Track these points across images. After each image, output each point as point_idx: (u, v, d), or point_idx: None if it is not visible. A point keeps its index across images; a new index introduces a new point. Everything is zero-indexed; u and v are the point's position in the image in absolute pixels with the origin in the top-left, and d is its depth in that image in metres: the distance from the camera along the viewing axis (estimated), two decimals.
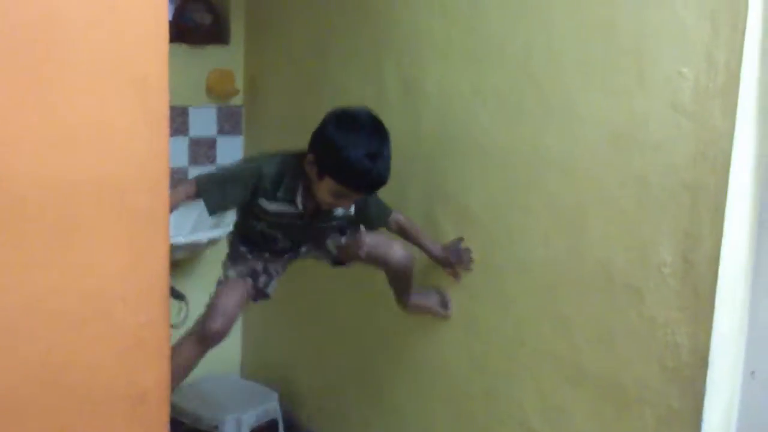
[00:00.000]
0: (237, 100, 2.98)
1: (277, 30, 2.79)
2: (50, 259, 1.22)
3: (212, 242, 2.67)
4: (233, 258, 2.09)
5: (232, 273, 2.05)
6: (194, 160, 2.93)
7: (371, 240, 1.98)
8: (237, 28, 2.92)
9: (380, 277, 2.10)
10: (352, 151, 1.80)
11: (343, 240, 2.06)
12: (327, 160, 1.85)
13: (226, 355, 3.12)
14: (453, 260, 2.08)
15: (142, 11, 1.25)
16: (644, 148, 1.63)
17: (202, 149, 2.95)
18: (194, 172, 2.85)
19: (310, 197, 1.93)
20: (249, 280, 2.05)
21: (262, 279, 2.09)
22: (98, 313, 1.30)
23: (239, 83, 2.95)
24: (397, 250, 2.00)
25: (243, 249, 2.10)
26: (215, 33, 2.84)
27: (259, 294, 2.09)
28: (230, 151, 3.00)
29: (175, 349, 1.78)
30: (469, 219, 2.07)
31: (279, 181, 1.92)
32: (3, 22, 1.10)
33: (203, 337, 1.92)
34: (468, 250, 2.06)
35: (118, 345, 1.32)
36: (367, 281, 2.30)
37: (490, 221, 2.01)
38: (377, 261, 2.01)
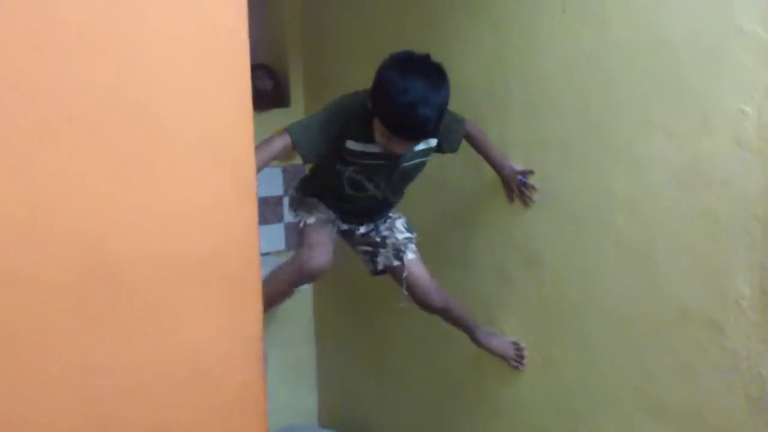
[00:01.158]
0: (299, 160, 3.07)
1: (333, 92, 2.88)
2: (153, 327, 1.29)
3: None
4: (307, 208, 2.04)
5: (312, 219, 2.00)
6: (264, 219, 3.03)
7: (420, 275, 2.08)
8: (296, 91, 3.03)
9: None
10: (395, 95, 1.75)
11: (395, 264, 2.10)
12: (375, 101, 1.81)
13: (303, 405, 3.19)
14: (514, 187, 2.10)
15: (229, 99, 1.34)
16: (711, 184, 1.67)
17: (270, 208, 3.05)
18: (264, 231, 2.95)
19: None
20: (330, 226, 2.01)
21: (334, 235, 2.05)
22: (198, 375, 1.37)
23: None
24: (438, 295, 2.11)
25: (312, 200, 2.06)
26: (277, 97, 2.96)
27: None
28: None
29: (269, 280, 1.77)
30: (539, 263, 2.11)
31: (362, 120, 1.88)
32: (109, 110, 1.20)
33: (303, 274, 1.90)
34: (533, 188, 2.06)
35: (217, 404, 1.39)
36: (441, 328, 2.35)
37: (562, 264, 2.05)
38: (415, 296, 2.10)
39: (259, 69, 2.88)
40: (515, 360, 2.18)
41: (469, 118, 2.10)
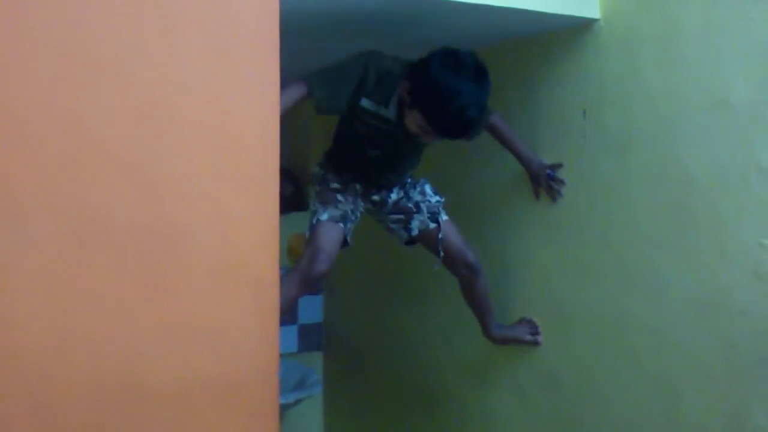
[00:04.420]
0: None
1: None
2: None
3: (298, 402, 2.73)
4: (324, 201, 2.03)
5: (324, 216, 2.00)
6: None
7: (453, 234, 2.07)
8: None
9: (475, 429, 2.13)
10: (448, 96, 1.73)
11: (431, 226, 2.08)
12: (421, 96, 1.78)
13: None
14: (542, 181, 2.10)
15: (255, 218, 1.37)
16: (731, 314, 1.67)
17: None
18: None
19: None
20: (340, 225, 2.00)
21: (349, 225, 2.04)
22: None
23: None
24: (470, 252, 2.09)
25: (335, 185, 2.04)
26: (296, 201, 3.01)
27: (343, 242, 2.04)
28: (311, 310, 3.10)
29: (280, 287, 1.74)
30: (555, 382, 2.10)
31: (379, 82, 1.86)
32: (137, 231, 1.22)
33: (307, 278, 1.92)
34: (561, 182, 2.07)
35: None
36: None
37: (577, 386, 2.04)
38: (449, 256, 2.08)
39: (280, 174, 2.94)
40: (532, 338, 2.18)
41: (488, 235, 2.14)
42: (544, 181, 2.11)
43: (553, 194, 2.10)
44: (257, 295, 1.37)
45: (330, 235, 1.97)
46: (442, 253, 2.08)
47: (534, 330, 2.18)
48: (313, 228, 1.99)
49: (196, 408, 1.31)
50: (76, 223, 1.16)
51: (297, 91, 1.84)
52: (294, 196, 3.01)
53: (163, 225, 1.25)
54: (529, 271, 2.17)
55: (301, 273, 1.94)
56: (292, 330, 3.06)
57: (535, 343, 2.18)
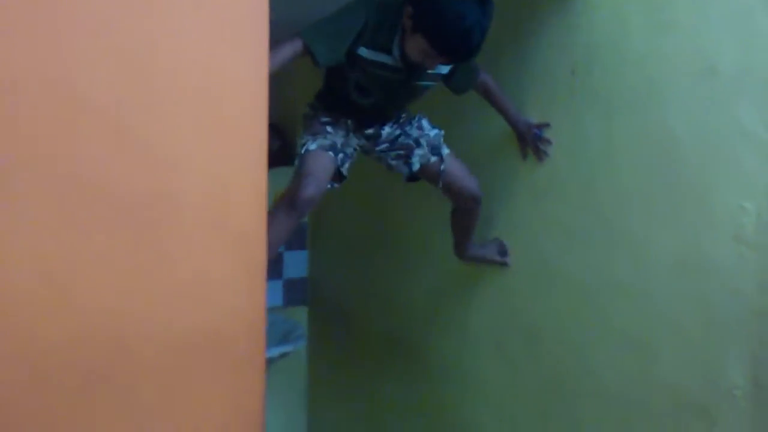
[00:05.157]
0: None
1: None
2: (161, 403, 1.31)
3: (283, 356, 2.76)
4: (313, 132, 1.98)
5: (313, 146, 1.94)
6: None
7: (456, 166, 2.07)
8: None
9: (457, 385, 2.16)
10: (452, 18, 1.72)
11: (432, 159, 2.07)
12: (424, 19, 1.76)
13: None
14: (529, 141, 2.12)
15: (243, 174, 1.37)
16: (709, 275, 1.70)
17: (269, 264, 3.07)
18: None
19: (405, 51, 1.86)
20: (331, 154, 1.94)
21: (341, 156, 1.97)
22: None
23: None
24: (474, 182, 2.10)
25: (325, 120, 2.01)
26: (283, 156, 3.01)
27: (336, 175, 1.97)
28: (296, 266, 3.12)
29: (268, 221, 1.63)
30: (536, 339, 2.14)
31: (379, 29, 1.84)
32: (114, 187, 1.22)
33: (294, 205, 1.84)
34: (548, 142, 2.09)
35: None
36: (436, 391, 2.37)
37: (558, 343, 2.08)
38: (451, 189, 2.09)
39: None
40: (501, 258, 2.23)
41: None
42: (531, 141, 2.12)
43: (540, 154, 2.11)
44: (244, 250, 1.38)
45: (319, 162, 1.89)
46: (440, 184, 2.08)
47: (503, 251, 2.22)
48: (301, 158, 1.93)
49: (184, 365, 1.32)
50: (61, 184, 1.16)
51: (292, 48, 1.79)
52: (281, 151, 3.01)
53: (148, 182, 1.24)
54: (514, 230, 2.19)
55: (288, 199, 1.85)
56: (277, 284, 3.09)
57: (504, 264, 2.22)
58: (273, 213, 1.86)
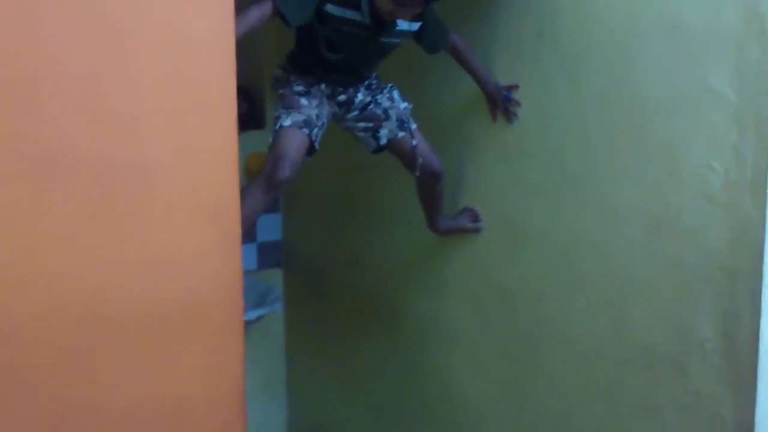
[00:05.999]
0: None
1: None
2: (140, 371, 1.32)
3: (259, 319, 2.78)
4: (287, 105, 1.99)
5: (287, 122, 1.95)
6: None
7: (421, 143, 2.09)
8: (271, 112, 3.04)
9: (433, 341, 2.19)
10: None
11: (400, 135, 2.09)
12: None
13: (273, 423, 3.22)
14: (499, 102, 2.13)
15: (213, 140, 1.36)
16: (679, 234, 1.73)
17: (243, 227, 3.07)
18: None
19: (375, 7, 1.87)
20: (305, 131, 1.96)
21: (315, 131, 1.98)
22: (183, 416, 1.39)
23: None
24: (436, 159, 2.12)
25: (299, 88, 2.01)
26: (252, 119, 2.98)
27: (310, 148, 1.99)
28: (269, 228, 3.11)
29: (244, 197, 1.70)
30: (509, 299, 2.16)
31: None
32: (85, 157, 1.21)
33: (271, 185, 1.88)
34: (517, 103, 2.09)
35: None
36: (412, 348, 2.41)
37: (530, 302, 2.11)
38: (416, 164, 2.10)
39: None
40: (474, 225, 2.26)
41: (445, 157, 2.15)
42: (501, 103, 2.12)
43: (509, 116, 2.11)
44: (218, 216, 1.38)
45: (293, 141, 1.92)
46: (420, 160, 2.09)
47: (475, 217, 2.24)
48: (276, 134, 1.94)
49: (162, 332, 1.33)
50: (32, 154, 1.14)
51: (260, 10, 1.79)
52: (249, 114, 2.97)
53: (119, 151, 1.23)
54: (485, 192, 2.20)
55: (263, 180, 1.88)
56: (251, 248, 3.08)
57: (476, 230, 2.25)
58: (249, 190, 1.87)
